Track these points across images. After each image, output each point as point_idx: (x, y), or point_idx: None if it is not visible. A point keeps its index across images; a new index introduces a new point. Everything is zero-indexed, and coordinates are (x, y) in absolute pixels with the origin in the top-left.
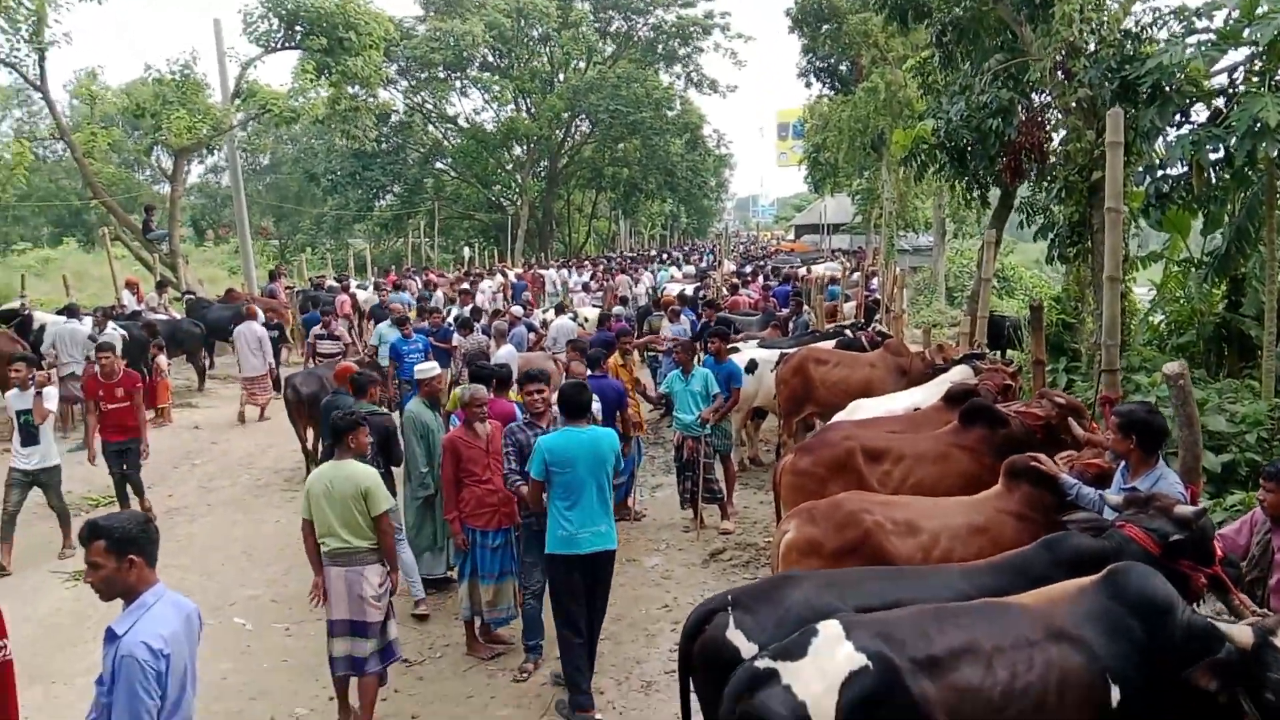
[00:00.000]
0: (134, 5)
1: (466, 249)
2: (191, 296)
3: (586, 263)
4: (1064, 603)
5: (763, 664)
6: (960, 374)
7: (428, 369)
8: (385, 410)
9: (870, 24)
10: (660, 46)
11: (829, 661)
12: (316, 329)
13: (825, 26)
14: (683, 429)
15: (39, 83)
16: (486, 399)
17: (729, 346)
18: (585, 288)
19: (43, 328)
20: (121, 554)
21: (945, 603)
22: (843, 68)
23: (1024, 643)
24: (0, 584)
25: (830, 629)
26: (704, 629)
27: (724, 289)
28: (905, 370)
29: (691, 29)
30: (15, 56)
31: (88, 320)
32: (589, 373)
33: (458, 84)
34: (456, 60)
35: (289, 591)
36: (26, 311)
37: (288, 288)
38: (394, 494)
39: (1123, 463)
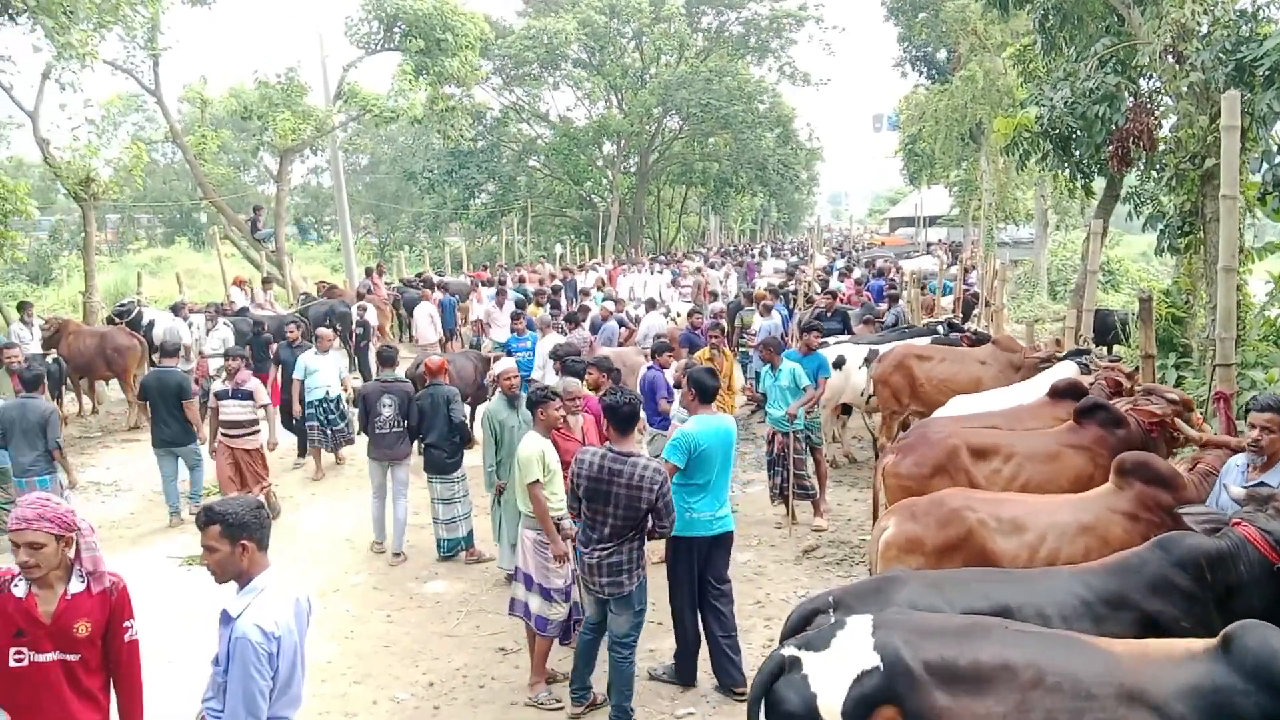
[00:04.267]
0: (242, 12)
1: (558, 246)
2: (304, 294)
3: (679, 257)
4: (1161, 662)
5: (789, 651)
6: (1066, 370)
7: (502, 366)
8: (406, 379)
9: (968, 11)
10: (753, 39)
11: (847, 656)
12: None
13: (921, 14)
14: (773, 424)
15: (154, 88)
16: (580, 392)
17: (819, 341)
18: (674, 283)
19: (151, 323)
20: (235, 539)
21: (1057, 605)
22: (939, 56)
23: (1081, 692)
24: (118, 566)
25: (859, 623)
26: (805, 629)
27: (815, 284)
28: (1017, 366)
29: (785, 21)
30: (131, 63)
31: (196, 318)
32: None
33: (550, 81)
34: (549, 58)
35: (389, 579)
36: (138, 309)
37: (387, 284)
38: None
39: (1243, 456)
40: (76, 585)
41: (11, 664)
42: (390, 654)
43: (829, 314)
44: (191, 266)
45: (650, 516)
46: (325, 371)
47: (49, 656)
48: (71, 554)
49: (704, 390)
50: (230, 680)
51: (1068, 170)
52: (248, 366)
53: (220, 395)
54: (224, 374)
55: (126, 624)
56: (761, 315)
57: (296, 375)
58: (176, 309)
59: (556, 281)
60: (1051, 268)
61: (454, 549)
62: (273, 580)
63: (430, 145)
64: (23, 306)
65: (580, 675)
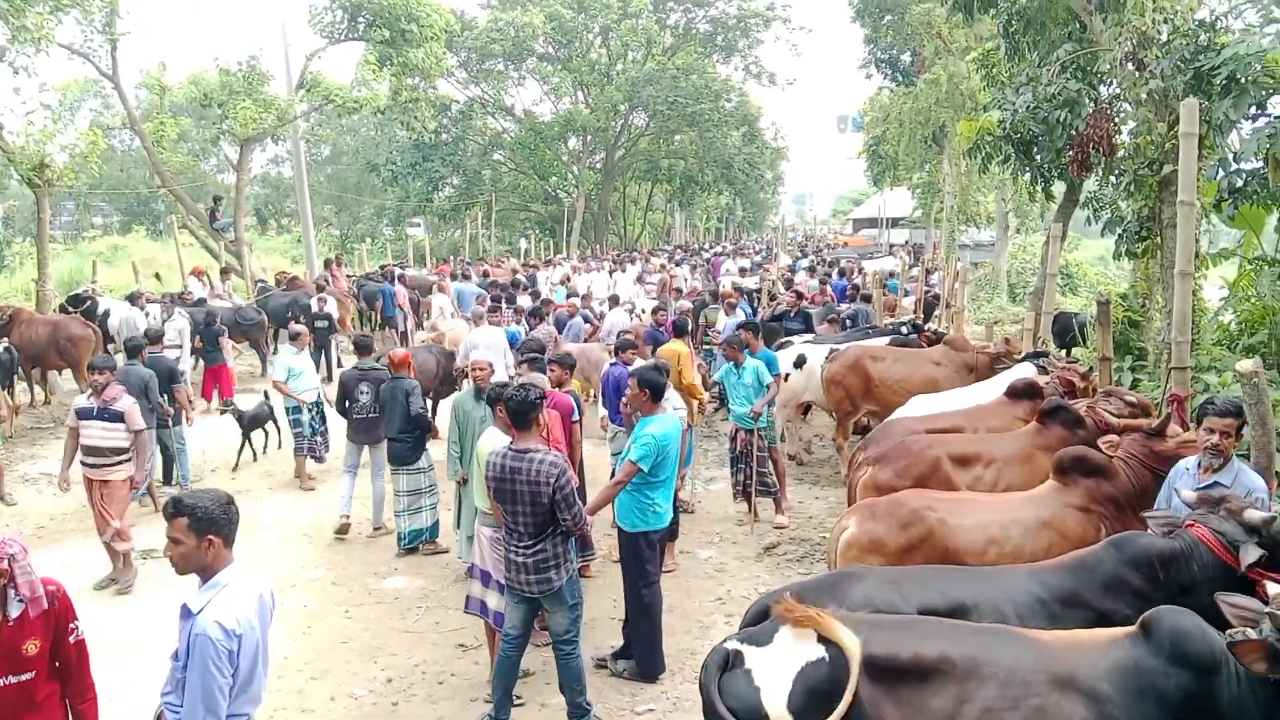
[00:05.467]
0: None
1: (523, 240)
2: (262, 283)
3: (645, 254)
4: (1088, 649)
5: (732, 645)
6: (1024, 371)
7: (475, 359)
8: (380, 366)
9: (933, 14)
10: (720, 38)
11: (790, 651)
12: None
13: (887, 17)
14: (736, 421)
15: (111, 73)
16: (544, 390)
17: (782, 340)
18: (640, 280)
19: (107, 312)
20: (203, 533)
21: (1013, 604)
22: (904, 59)
23: (1015, 680)
24: (72, 558)
25: None
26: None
27: (779, 283)
28: (971, 367)
29: (752, 21)
30: (89, 47)
31: (152, 307)
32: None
33: (516, 75)
34: (516, 51)
35: (348, 574)
36: (93, 298)
37: (348, 276)
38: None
39: (1194, 458)
40: (15, 608)
41: None
42: (348, 650)
43: (793, 313)
44: (148, 255)
45: (554, 512)
46: (310, 373)
47: (1, 682)
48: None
49: (657, 389)
50: (189, 676)
51: (1028, 174)
52: (120, 380)
53: (82, 414)
54: (90, 389)
55: (71, 625)
56: (726, 313)
57: (278, 377)
58: (133, 298)
59: (518, 276)
60: (1011, 270)
61: (416, 539)
62: (236, 576)
63: (394, 137)
64: None
65: (501, 692)
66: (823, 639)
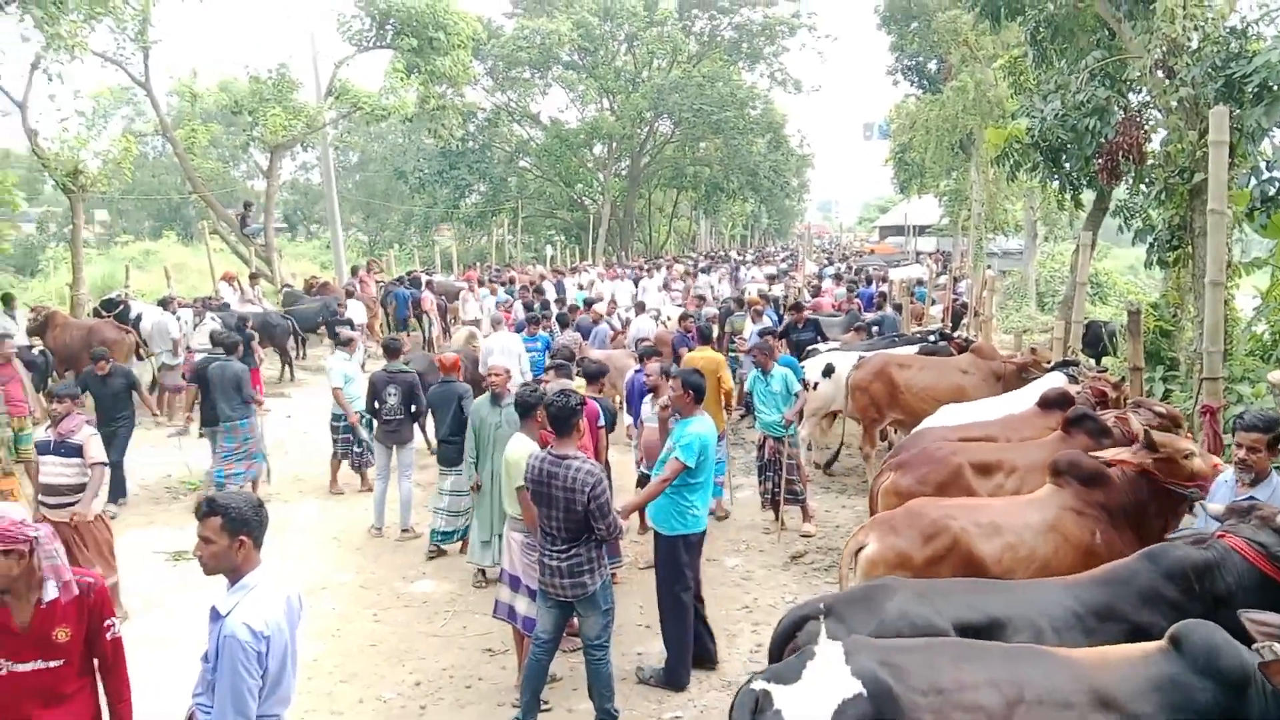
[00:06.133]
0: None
1: (549, 247)
2: (288, 288)
3: (664, 261)
4: (1123, 666)
5: (759, 685)
6: (1056, 381)
7: (494, 365)
8: (410, 369)
9: (960, 21)
10: (745, 45)
11: (823, 687)
12: None
13: (913, 24)
14: (764, 428)
15: (144, 80)
16: (583, 396)
17: (809, 349)
18: (665, 286)
19: (139, 316)
20: (234, 534)
21: (1048, 617)
22: (931, 66)
23: (1060, 702)
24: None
25: (830, 651)
26: (795, 635)
27: (805, 291)
28: (999, 376)
29: (777, 28)
30: (121, 55)
31: (184, 313)
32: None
33: (542, 83)
34: (542, 59)
35: (377, 578)
36: (125, 302)
37: (378, 282)
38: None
39: (1230, 472)
40: (51, 592)
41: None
42: (377, 653)
43: (800, 325)
44: (180, 261)
45: (588, 519)
46: (360, 379)
47: (29, 666)
48: (37, 564)
49: (699, 390)
50: (219, 678)
51: (1057, 182)
52: (216, 375)
53: (40, 448)
54: (48, 419)
55: (108, 623)
56: (753, 320)
57: (335, 383)
58: (165, 303)
59: (544, 283)
60: (1040, 279)
61: (448, 540)
62: (264, 578)
63: (421, 144)
64: (7, 298)
65: (529, 695)
66: (860, 672)
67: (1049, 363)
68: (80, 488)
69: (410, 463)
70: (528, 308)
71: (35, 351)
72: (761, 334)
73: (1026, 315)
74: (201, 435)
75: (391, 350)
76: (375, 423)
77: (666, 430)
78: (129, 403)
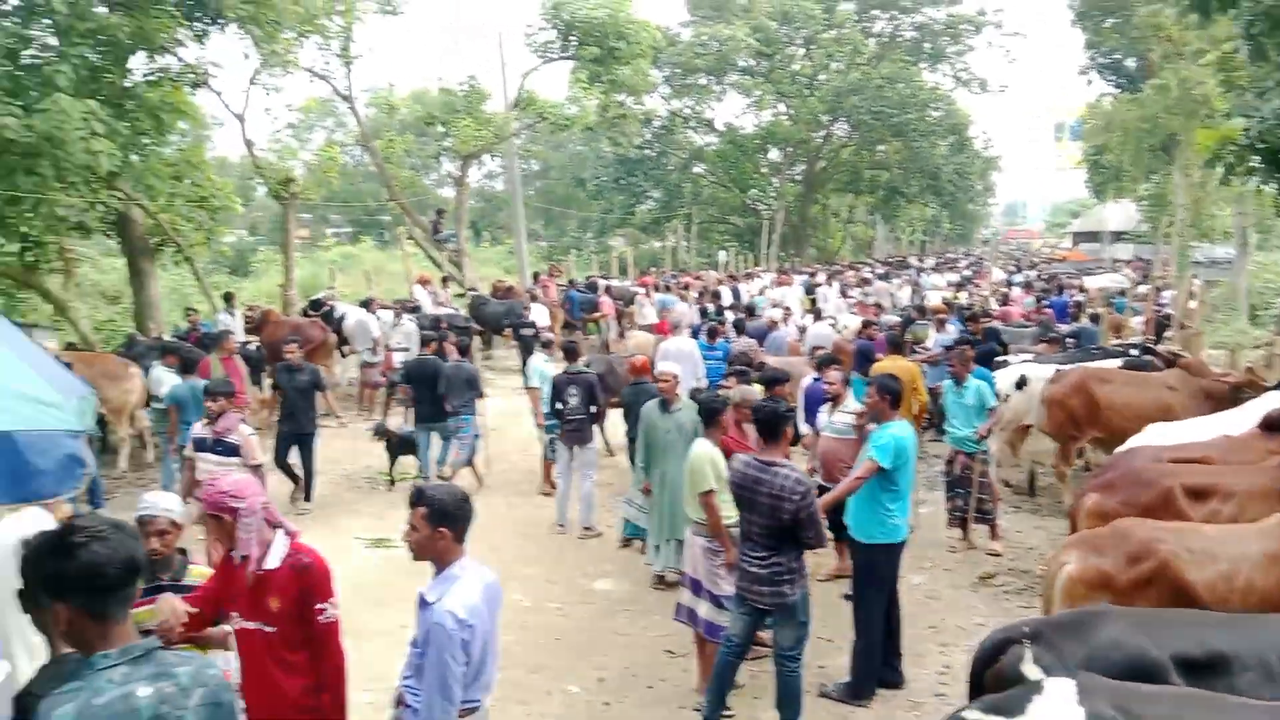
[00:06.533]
0: (426, 20)
1: (721, 253)
2: (473, 291)
3: (840, 267)
4: None
5: (974, 716)
6: (1276, 403)
7: (663, 370)
8: (588, 370)
9: (1162, 16)
10: (927, 46)
11: None
12: None
13: (1110, 20)
14: (955, 443)
15: (347, 93)
16: (755, 401)
17: (998, 361)
18: (843, 293)
19: (343, 316)
20: (435, 524)
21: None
22: (1129, 63)
23: None
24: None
25: (1060, 688)
26: (998, 659)
27: (992, 299)
28: (1209, 394)
29: (962, 27)
30: (327, 69)
31: (384, 313)
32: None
33: (718, 88)
34: (718, 65)
35: (560, 573)
36: (331, 302)
37: (560, 285)
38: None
39: None
40: (272, 561)
41: (233, 624)
42: (562, 646)
43: (978, 335)
44: (376, 264)
45: (796, 528)
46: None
47: (251, 625)
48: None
49: (897, 396)
50: (427, 664)
51: (1276, 186)
52: (450, 373)
53: (198, 444)
54: (206, 416)
55: (320, 605)
56: (936, 330)
57: (535, 384)
58: (366, 304)
59: (720, 288)
60: (1252, 290)
61: (641, 533)
62: (467, 568)
63: (599, 152)
64: (228, 297)
65: (715, 696)
66: (1097, 716)
67: (1267, 382)
68: None
69: (592, 462)
70: (703, 313)
71: (252, 347)
72: (957, 343)
73: (1237, 329)
74: (416, 430)
75: (570, 352)
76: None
77: (859, 439)
78: (314, 401)
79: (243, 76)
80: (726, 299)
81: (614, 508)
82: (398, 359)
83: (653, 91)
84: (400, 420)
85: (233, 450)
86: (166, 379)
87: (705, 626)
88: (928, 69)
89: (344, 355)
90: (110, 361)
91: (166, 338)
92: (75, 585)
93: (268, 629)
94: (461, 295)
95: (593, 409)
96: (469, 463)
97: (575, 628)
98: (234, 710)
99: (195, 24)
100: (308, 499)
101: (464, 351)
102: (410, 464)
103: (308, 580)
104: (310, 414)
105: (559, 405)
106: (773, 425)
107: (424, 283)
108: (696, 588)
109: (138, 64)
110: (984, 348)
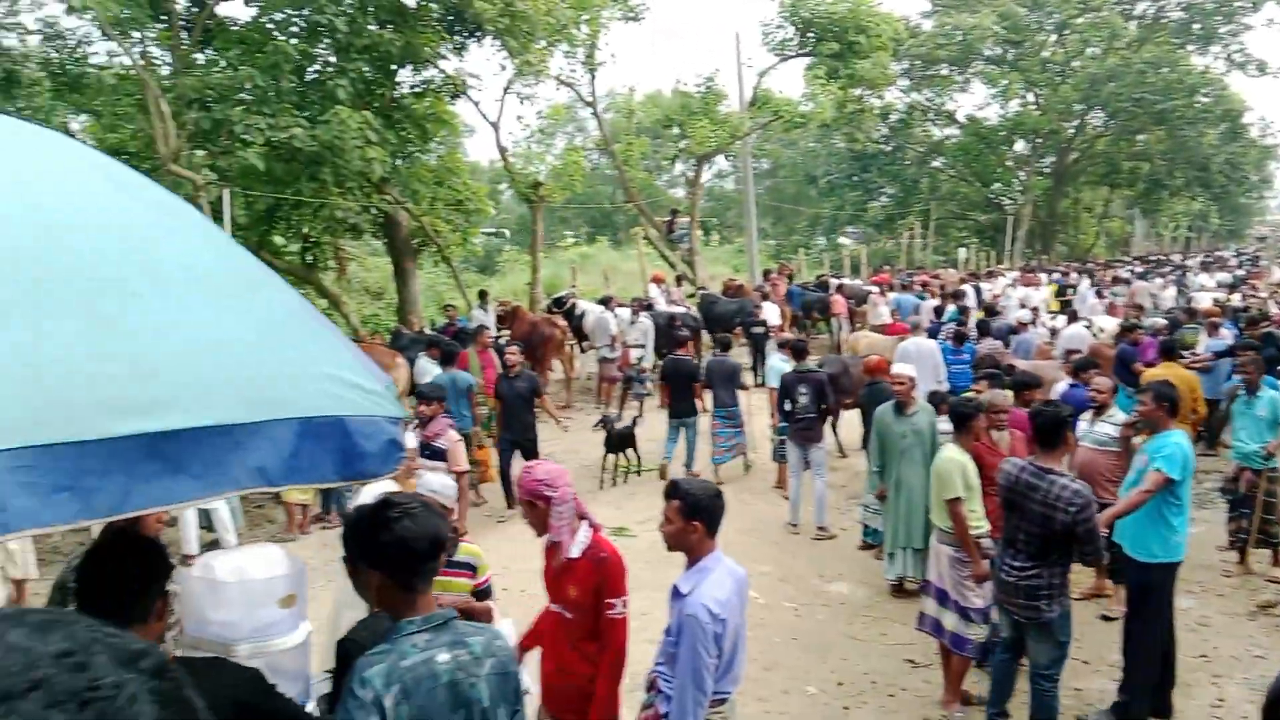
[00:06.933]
0: (663, 23)
1: (961, 250)
2: (703, 290)
3: (1093, 266)
4: None
5: None
6: None
7: (899, 371)
8: (819, 370)
9: None
10: (1196, 26)
11: None
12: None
13: None
14: (1240, 458)
15: (590, 99)
16: (1006, 406)
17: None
18: (1098, 293)
19: (584, 313)
20: (689, 518)
21: None
22: None
23: None
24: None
25: None
26: None
27: (1271, 302)
28: None
29: (1237, 4)
30: (573, 76)
31: (622, 311)
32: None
33: (960, 79)
34: (962, 55)
35: (794, 573)
36: (573, 300)
37: (803, 285)
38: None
39: None
40: (574, 551)
41: (549, 606)
42: (798, 646)
43: (1258, 342)
44: (610, 263)
45: (1068, 541)
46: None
47: (555, 608)
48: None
49: (1174, 404)
50: (680, 654)
51: None
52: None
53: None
54: (416, 420)
55: (610, 600)
56: (1208, 334)
57: (773, 384)
58: (605, 302)
59: (963, 287)
60: None
61: (880, 537)
62: (719, 562)
63: (832, 149)
64: (483, 294)
65: (996, 700)
66: None
67: None
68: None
69: (822, 462)
70: (937, 312)
71: (503, 341)
72: (1234, 349)
73: None
74: (669, 425)
75: (799, 351)
76: (787, 423)
77: (1124, 451)
78: (533, 408)
79: (496, 86)
80: (970, 300)
81: (848, 510)
82: (634, 355)
83: (892, 85)
84: (635, 414)
85: (440, 455)
86: (430, 370)
87: (951, 639)
88: (1197, 51)
89: (583, 351)
90: (382, 352)
91: (428, 331)
92: (387, 556)
93: (567, 614)
94: (694, 295)
95: (822, 407)
96: (743, 454)
97: (811, 629)
98: (519, 681)
99: (455, 38)
100: (509, 506)
101: (726, 347)
102: (647, 457)
103: (603, 574)
104: (529, 420)
105: (788, 405)
106: (1053, 431)
107: (658, 281)
108: (942, 598)
109: (404, 77)
110: (1267, 352)
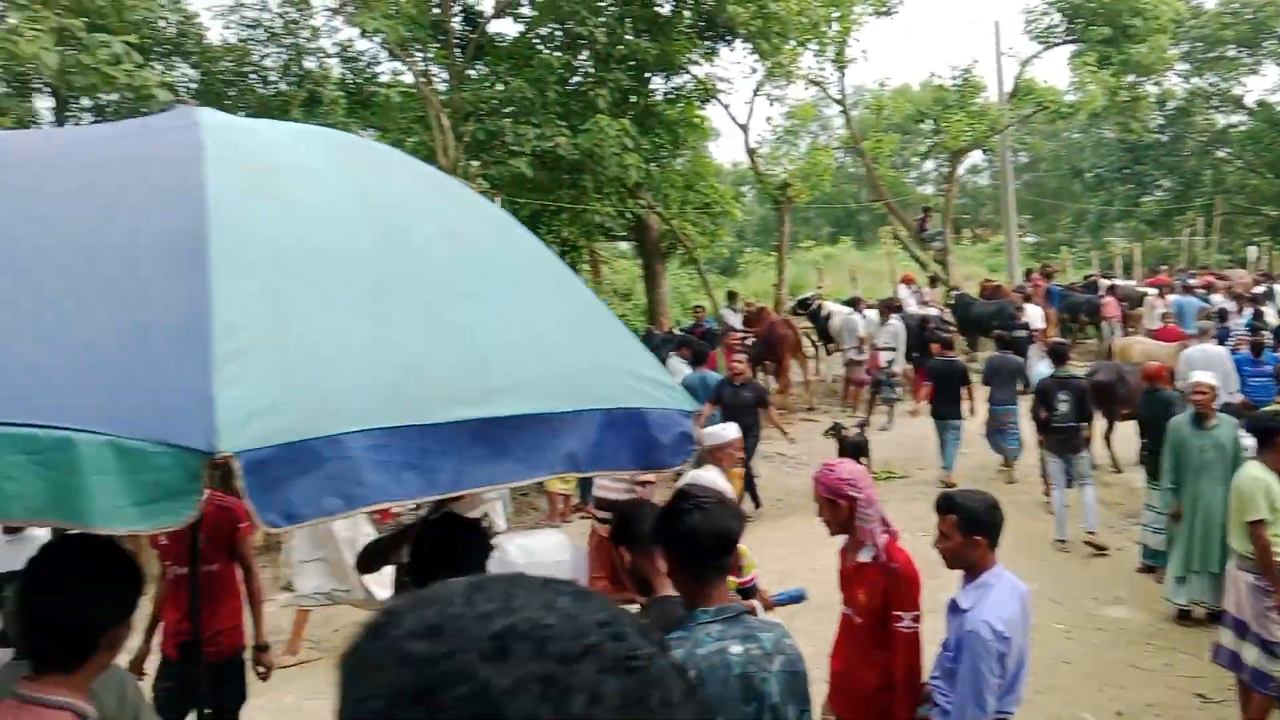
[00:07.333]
0: (918, 15)
1: (1251, 248)
2: (957, 291)
3: None
4: None
5: None
6: None
7: (1199, 380)
8: (1080, 375)
9: None
10: None
11: None
12: None
13: None
14: None
15: (840, 98)
16: None
17: None
18: None
19: (829, 315)
20: (969, 532)
21: None
22: None
23: None
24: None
25: None
26: None
27: None
28: None
29: None
30: (821, 75)
31: (870, 313)
32: None
33: (1250, 60)
34: (1252, 34)
35: (1066, 593)
36: (818, 301)
37: (1069, 285)
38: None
39: None
40: (865, 555)
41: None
42: (1071, 671)
43: None
44: (854, 264)
45: None
46: None
47: (848, 610)
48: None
49: None
50: (961, 672)
51: None
52: (995, 367)
53: None
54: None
55: (899, 613)
56: None
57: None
58: (853, 303)
59: (1256, 290)
60: None
61: (1160, 559)
62: (1000, 578)
63: (1101, 140)
64: (731, 295)
65: None
66: None
67: None
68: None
69: (1086, 472)
70: (1221, 316)
71: (748, 341)
72: None
73: None
74: (936, 427)
75: (1059, 355)
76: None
77: None
78: (757, 415)
79: (745, 89)
80: (1273, 305)
81: (1124, 529)
82: (883, 358)
83: (1170, 69)
84: (885, 420)
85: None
86: (680, 369)
87: (1252, 675)
88: None
89: (829, 353)
90: None
91: (677, 332)
92: (676, 545)
93: (856, 618)
94: (948, 296)
95: (1083, 416)
96: (1015, 457)
97: (1085, 653)
98: (807, 681)
99: (706, 42)
100: (756, 506)
101: (1008, 346)
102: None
103: (891, 584)
104: (753, 429)
105: (1045, 412)
106: None
107: (908, 282)
108: (1241, 629)
109: (657, 84)
110: None
